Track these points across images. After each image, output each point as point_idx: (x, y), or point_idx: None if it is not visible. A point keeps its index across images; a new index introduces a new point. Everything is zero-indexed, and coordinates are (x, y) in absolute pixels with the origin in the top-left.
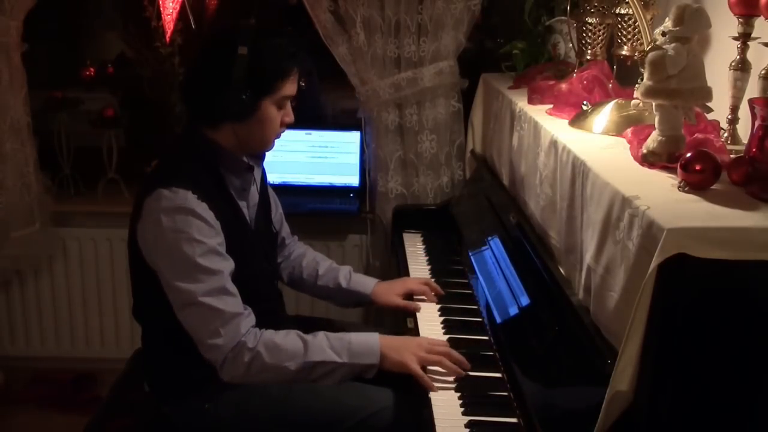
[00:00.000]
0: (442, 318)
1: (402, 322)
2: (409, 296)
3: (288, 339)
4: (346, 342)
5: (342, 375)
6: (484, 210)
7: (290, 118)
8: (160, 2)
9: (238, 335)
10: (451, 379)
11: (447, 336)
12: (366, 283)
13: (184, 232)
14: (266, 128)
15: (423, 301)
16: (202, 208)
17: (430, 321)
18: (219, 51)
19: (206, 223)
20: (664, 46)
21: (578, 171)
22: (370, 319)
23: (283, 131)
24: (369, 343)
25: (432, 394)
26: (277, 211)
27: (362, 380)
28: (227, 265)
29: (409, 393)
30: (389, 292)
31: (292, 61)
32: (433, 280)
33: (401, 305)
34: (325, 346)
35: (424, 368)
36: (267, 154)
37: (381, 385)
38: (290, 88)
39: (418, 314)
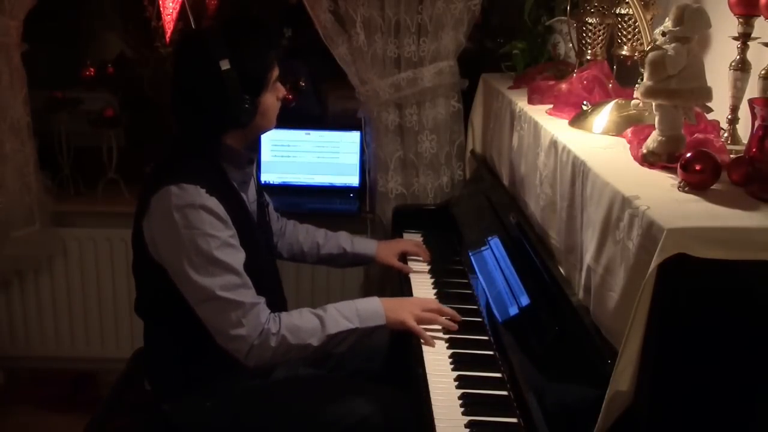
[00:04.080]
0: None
1: None
2: (403, 258)
3: (304, 318)
4: (354, 308)
5: (354, 340)
6: (484, 210)
7: (283, 91)
8: (160, 2)
9: (260, 323)
10: (446, 336)
11: (447, 335)
12: (368, 245)
13: (197, 228)
14: (269, 115)
15: (418, 262)
16: (212, 203)
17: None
18: (202, 72)
19: (217, 218)
20: (664, 46)
21: (578, 171)
22: None
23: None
24: (373, 306)
25: (432, 394)
26: (270, 205)
27: (362, 379)
28: (241, 257)
29: (410, 392)
30: (388, 252)
31: (269, 47)
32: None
33: (397, 266)
34: (337, 316)
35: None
36: (267, 154)
37: (381, 384)
38: (276, 70)
39: None
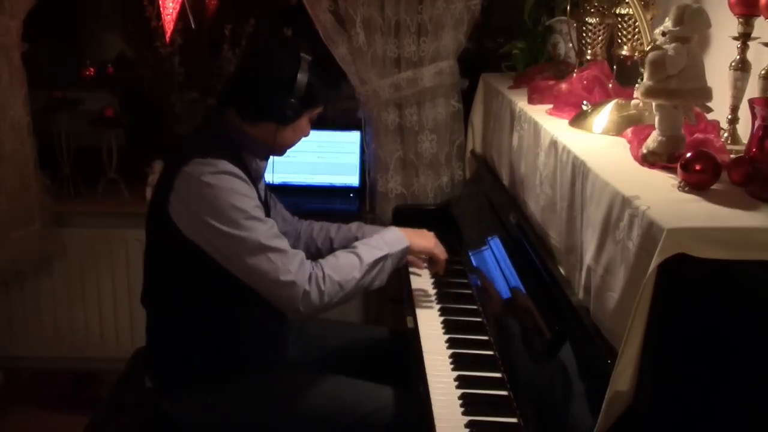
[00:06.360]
0: (442, 318)
1: (402, 321)
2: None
3: (340, 257)
4: (379, 239)
5: (389, 268)
6: (484, 210)
7: (309, 133)
8: (160, 2)
9: (307, 269)
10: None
11: (447, 336)
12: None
13: (231, 188)
14: (296, 137)
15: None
16: (239, 173)
17: (430, 321)
18: (284, 57)
19: (247, 184)
20: (664, 46)
21: (578, 171)
22: (370, 318)
23: None
24: (394, 233)
25: (432, 394)
26: (277, 206)
27: (363, 378)
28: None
29: (410, 391)
30: None
31: (335, 87)
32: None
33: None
34: (368, 248)
35: None
36: None
37: (382, 384)
38: (320, 109)
39: (418, 313)
